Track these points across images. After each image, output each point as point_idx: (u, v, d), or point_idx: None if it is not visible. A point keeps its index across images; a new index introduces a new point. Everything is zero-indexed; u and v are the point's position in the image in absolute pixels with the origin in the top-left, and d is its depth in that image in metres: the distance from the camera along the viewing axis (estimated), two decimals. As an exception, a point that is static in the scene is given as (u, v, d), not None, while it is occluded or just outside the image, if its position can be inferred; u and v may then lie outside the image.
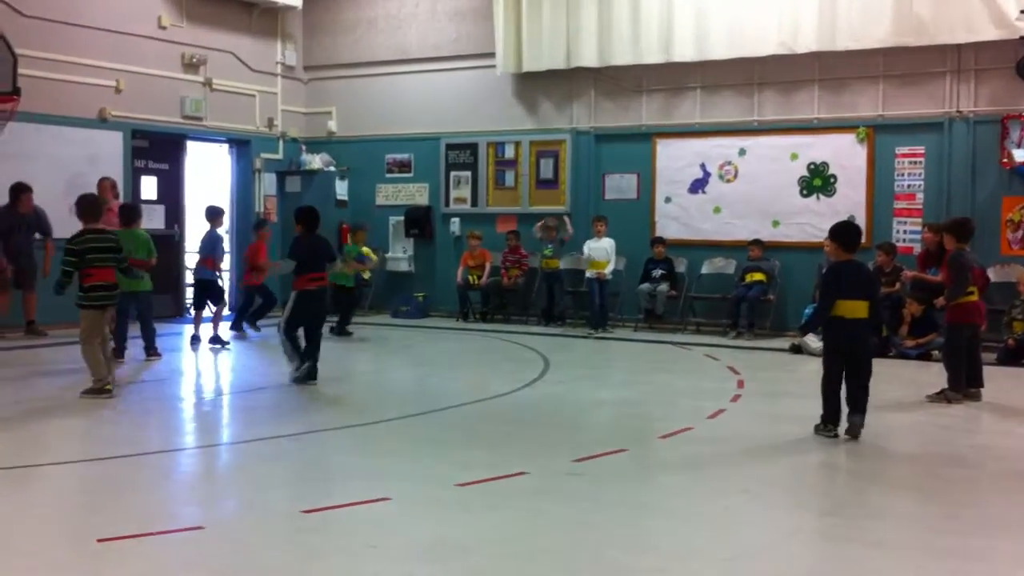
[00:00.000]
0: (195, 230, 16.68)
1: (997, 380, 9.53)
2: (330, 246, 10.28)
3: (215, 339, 12.41)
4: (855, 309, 7.38)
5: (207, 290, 12.71)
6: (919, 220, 13.14)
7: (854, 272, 7.54)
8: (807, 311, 12.48)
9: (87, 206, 9.01)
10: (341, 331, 13.48)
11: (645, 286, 14.28)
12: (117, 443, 7.14)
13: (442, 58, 16.55)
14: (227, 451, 7.25)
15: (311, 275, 9.60)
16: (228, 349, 12.19)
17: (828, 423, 7.46)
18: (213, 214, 13.11)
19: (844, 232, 7.73)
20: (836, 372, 7.47)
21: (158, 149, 15.47)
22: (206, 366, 11.38)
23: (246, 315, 13.60)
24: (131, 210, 11.48)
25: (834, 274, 7.60)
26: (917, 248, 12.84)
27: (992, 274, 12.49)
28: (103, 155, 14.23)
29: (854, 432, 7.32)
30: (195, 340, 12.50)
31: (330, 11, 17.43)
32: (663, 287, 14.15)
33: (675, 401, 9.27)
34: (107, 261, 8.84)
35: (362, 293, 16.10)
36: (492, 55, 15.68)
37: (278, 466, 6.59)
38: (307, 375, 9.52)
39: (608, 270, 14.14)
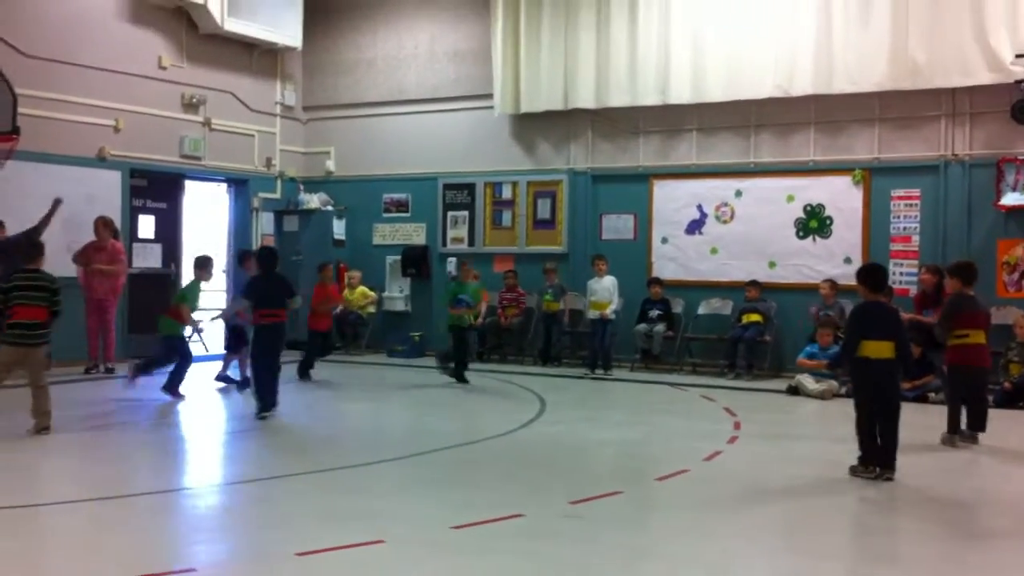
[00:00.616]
0: (191, 269, 16.71)
1: (995, 423, 9.48)
2: (288, 284, 10.48)
3: (224, 377, 12.36)
4: (880, 350, 7.43)
5: (239, 335, 12.18)
6: (915, 262, 13.16)
7: (880, 313, 7.61)
8: (808, 350, 12.55)
9: (26, 248, 9.33)
10: (461, 376, 12.91)
11: (642, 326, 14.26)
12: (107, 483, 7.09)
13: (440, 99, 16.65)
14: (220, 492, 7.19)
15: (264, 311, 10.11)
16: (235, 388, 12.02)
17: (867, 464, 7.47)
18: (244, 257, 12.97)
19: (871, 274, 7.86)
20: (866, 412, 7.50)
21: (156, 188, 15.51)
22: (202, 405, 11.32)
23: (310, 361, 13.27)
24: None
25: (859, 315, 7.67)
26: (913, 290, 12.85)
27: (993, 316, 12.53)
28: (101, 194, 14.26)
29: (885, 476, 7.39)
30: (225, 379, 12.35)
31: (330, 52, 17.56)
32: (660, 327, 14.14)
33: (671, 442, 9.23)
34: (34, 300, 8.74)
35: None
36: (490, 96, 15.78)
37: (272, 507, 6.54)
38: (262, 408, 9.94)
39: (611, 310, 13.91)
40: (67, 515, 6.30)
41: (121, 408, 10.59)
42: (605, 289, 13.98)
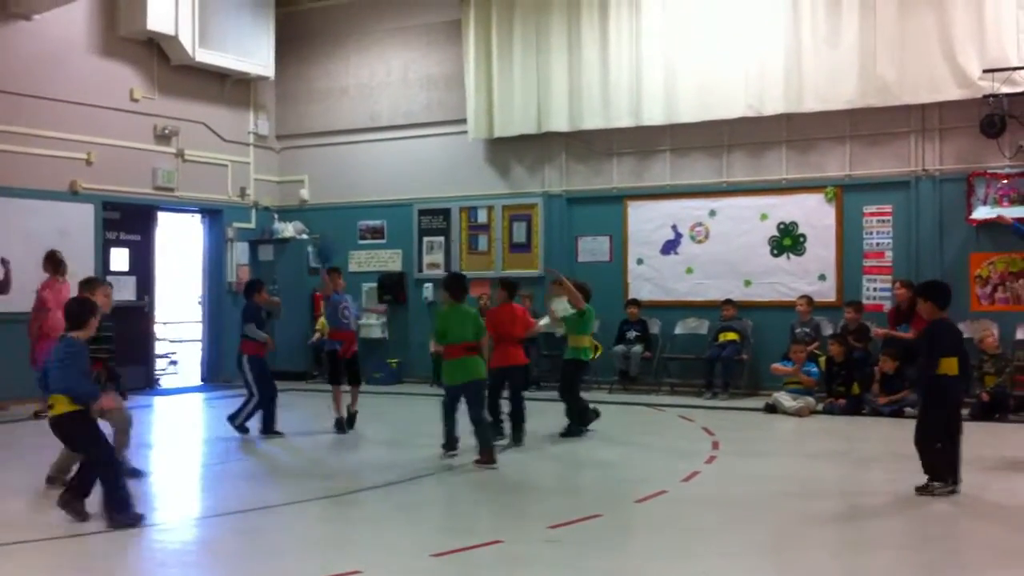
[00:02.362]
0: (166, 301, 16.67)
1: (973, 435, 9.50)
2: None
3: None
4: (951, 366, 7.46)
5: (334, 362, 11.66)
6: (889, 277, 13.24)
7: (952, 330, 7.67)
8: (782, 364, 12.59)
9: None
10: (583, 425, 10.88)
11: (619, 348, 14.27)
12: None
13: (414, 125, 16.67)
14: (199, 525, 7.12)
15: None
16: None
17: (946, 479, 7.43)
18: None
19: (941, 291, 7.78)
20: (942, 429, 7.48)
21: (129, 220, 15.42)
22: (179, 437, 11.23)
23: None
24: None
25: (938, 333, 7.62)
26: (887, 305, 12.92)
27: (962, 330, 12.57)
28: (73, 227, 14.17)
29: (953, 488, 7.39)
30: (339, 423, 11.19)
31: (302, 81, 17.56)
32: (637, 348, 14.14)
33: (650, 464, 9.21)
34: None
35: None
36: (463, 121, 15.82)
37: (252, 539, 6.48)
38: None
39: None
40: (39, 552, 6.21)
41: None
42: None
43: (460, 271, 14.20)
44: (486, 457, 8.68)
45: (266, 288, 11.41)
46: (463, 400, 8.99)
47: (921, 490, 7.48)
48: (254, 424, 10.75)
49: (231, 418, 10.76)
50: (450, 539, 6.21)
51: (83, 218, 14.41)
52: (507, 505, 7.39)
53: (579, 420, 10.67)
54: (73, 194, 14.29)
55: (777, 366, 12.60)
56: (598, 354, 11.70)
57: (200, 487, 8.71)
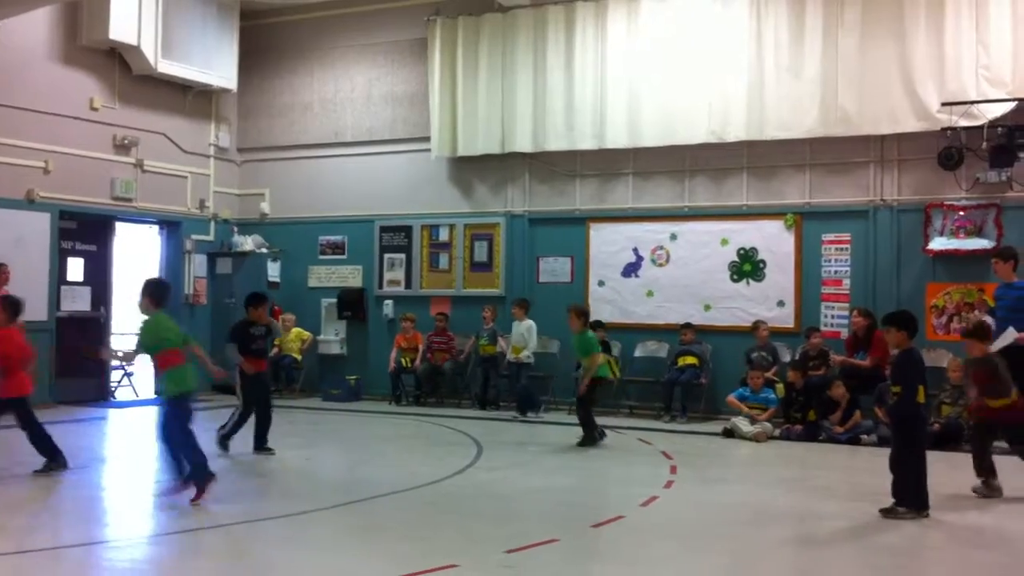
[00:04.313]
0: (122, 313, 16.43)
1: (928, 465, 9.59)
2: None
3: None
4: (922, 394, 7.67)
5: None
6: (846, 305, 13.36)
7: (921, 359, 7.92)
8: (740, 391, 12.64)
9: None
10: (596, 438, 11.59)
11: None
12: (32, 535, 6.87)
13: (377, 141, 16.63)
14: (152, 543, 7.00)
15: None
16: None
17: (910, 505, 7.59)
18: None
19: (909, 320, 7.92)
20: (921, 456, 7.67)
21: (86, 230, 15.23)
22: (139, 451, 11.06)
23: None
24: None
25: (914, 362, 7.78)
26: (845, 333, 13.04)
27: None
28: (29, 236, 13.97)
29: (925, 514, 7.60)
30: None
31: (265, 94, 17.47)
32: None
33: (608, 488, 9.20)
34: None
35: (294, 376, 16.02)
36: (427, 139, 15.81)
37: (204, 560, 6.39)
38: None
39: (524, 354, 14.19)
40: (-14, 571, 6.09)
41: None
42: (519, 334, 14.14)
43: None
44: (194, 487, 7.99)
45: (266, 304, 10.81)
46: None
47: (887, 513, 7.60)
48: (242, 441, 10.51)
49: (220, 434, 10.47)
50: (405, 563, 6.14)
51: (39, 227, 14.22)
52: (464, 528, 7.33)
53: (586, 432, 11.41)
54: (30, 202, 14.10)
55: (732, 399, 12.61)
56: (616, 370, 12.73)
57: (152, 504, 8.56)
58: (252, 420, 10.53)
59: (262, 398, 10.58)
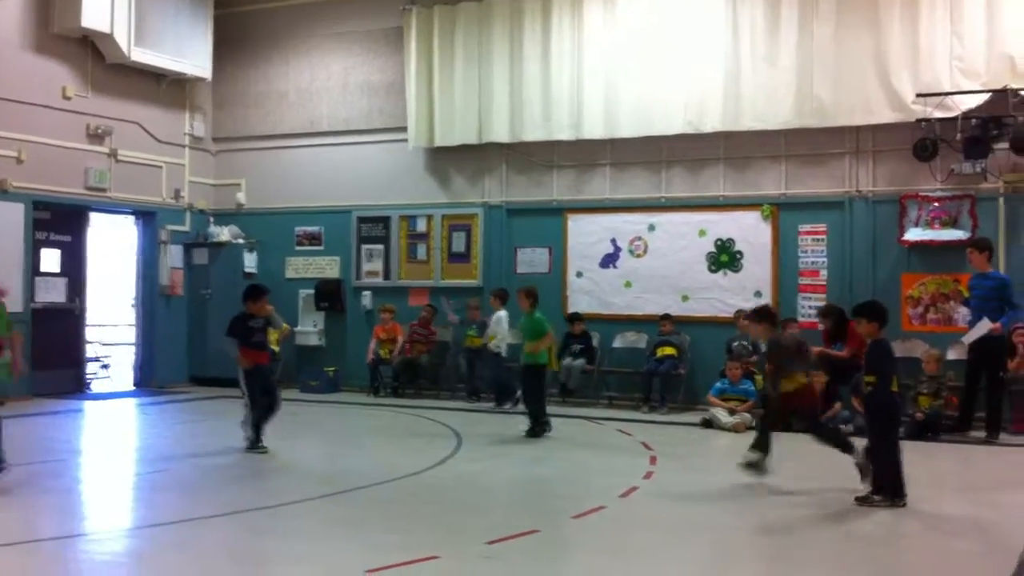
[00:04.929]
0: (97, 304, 16.37)
1: (906, 455, 9.66)
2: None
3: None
4: (896, 383, 7.81)
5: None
6: (823, 296, 13.43)
7: (891, 349, 8.01)
8: (718, 386, 12.70)
9: None
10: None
11: (565, 361, 14.22)
12: (3, 530, 6.83)
13: (354, 131, 16.57)
14: (130, 536, 6.97)
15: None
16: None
17: (886, 494, 7.67)
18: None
19: (880, 311, 8.04)
20: (897, 444, 7.77)
21: (60, 221, 15.10)
22: (116, 444, 10.99)
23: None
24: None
25: (886, 351, 7.89)
26: (822, 324, 13.09)
27: (894, 349, 12.81)
28: (3, 227, 13.85)
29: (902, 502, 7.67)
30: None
31: (240, 83, 17.36)
32: (579, 362, 14.15)
33: (588, 479, 9.22)
34: None
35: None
36: (404, 129, 15.76)
37: (184, 551, 6.36)
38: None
39: (494, 344, 13.85)
40: (-37, 566, 6.04)
41: (21, 448, 10.22)
42: (495, 322, 13.93)
43: None
44: None
45: (265, 298, 10.46)
46: None
47: (862, 501, 7.69)
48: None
49: (248, 441, 10.16)
50: (386, 554, 6.14)
51: (12, 217, 14.08)
52: (444, 520, 7.33)
53: (533, 421, 11.37)
54: (3, 192, 13.96)
55: (712, 398, 12.64)
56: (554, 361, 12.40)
57: (131, 496, 8.52)
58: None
59: (268, 392, 10.26)
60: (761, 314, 9.17)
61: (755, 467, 8.55)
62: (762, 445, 8.61)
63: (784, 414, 8.82)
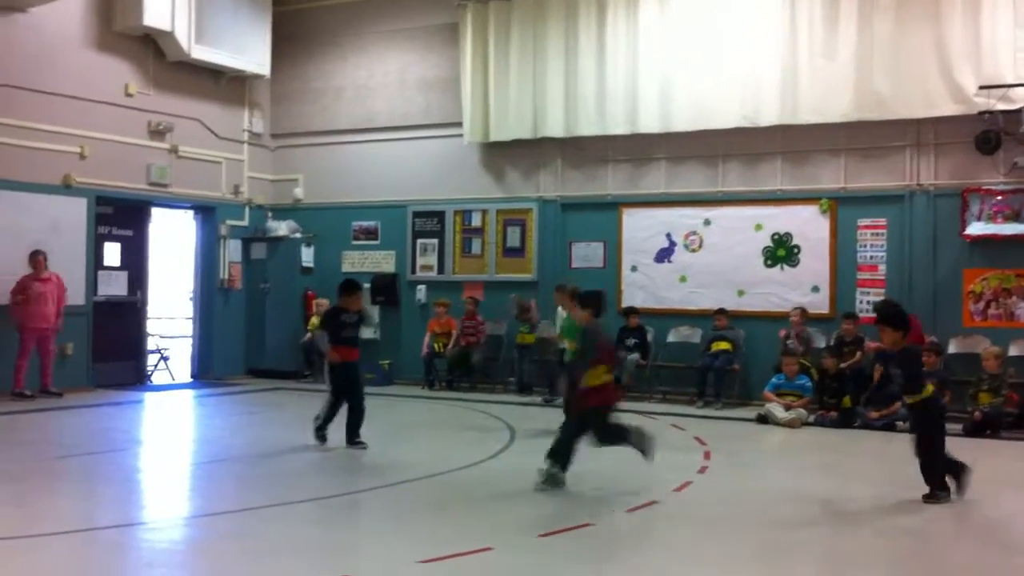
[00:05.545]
0: (157, 297, 16.66)
1: (964, 452, 9.49)
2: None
3: None
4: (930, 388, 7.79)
5: None
6: (882, 291, 13.26)
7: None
8: (774, 381, 12.58)
9: None
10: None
11: (619, 355, 14.13)
12: (65, 519, 6.97)
13: (410, 127, 16.64)
14: (188, 525, 7.09)
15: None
16: None
17: (946, 488, 7.63)
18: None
19: (904, 317, 7.86)
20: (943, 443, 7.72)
21: (122, 216, 15.36)
22: (175, 434, 11.17)
23: None
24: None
25: (919, 357, 7.98)
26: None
27: (954, 345, 12.66)
28: (66, 222, 14.12)
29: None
30: None
31: (298, 80, 17.52)
32: (634, 356, 14.10)
33: (641, 473, 9.14)
34: None
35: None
36: (459, 124, 15.80)
37: (239, 542, 6.44)
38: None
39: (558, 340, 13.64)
40: (28, 551, 6.17)
41: (82, 438, 10.43)
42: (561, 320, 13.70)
43: None
44: None
45: (359, 293, 10.21)
46: None
47: (929, 498, 7.59)
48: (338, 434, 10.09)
49: (315, 425, 10.04)
50: (439, 545, 6.18)
51: (76, 212, 14.35)
52: (497, 512, 7.36)
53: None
54: (66, 188, 14.23)
55: (768, 393, 12.52)
56: None
57: (188, 486, 8.66)
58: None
59: (353, 389, 9.95)
60: (584, 298, 8.30)
61: (553, 480, 7.93)
62: (557, 455, 7.97)
63: (581, 409, 8.12)
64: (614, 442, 8.20)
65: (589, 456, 9.90)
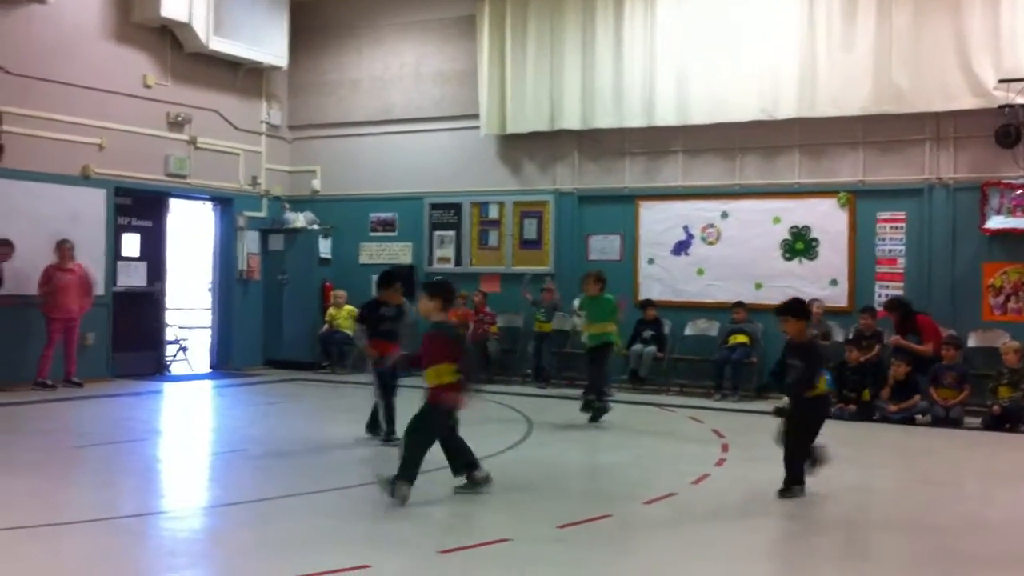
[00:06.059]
0: (176, 288, 16.74)
1: (984, 446, 9.51)
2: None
3: None
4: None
5: None
6: (900, 284, 13.22)
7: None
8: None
9: None
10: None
11: (636, 347, 14.17)
12: (86, 507, 7.02)
13: (426, 119, 16.65)
14: (208, 515, 7.13)
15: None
16: None
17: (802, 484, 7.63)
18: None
19: (806, 309, 8.17)
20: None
21: (141, 207, 15.41)
22: (194, 424, 11.22)
23: None
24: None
25: (820, 351, 8.19)
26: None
27: (974, 339, 12.61)
28: (85, 212, 14.18)
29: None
30: None
31: (315, 72, 17.54)
32: (650, 349, 14.08)
33: (659, 465, 9.19)
34: None
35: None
36: (476, 116, 15.79)
37: (257, 531, 6.47)
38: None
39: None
40: (51, 539, 6.21)
41: (102, 428, 10.50)
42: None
43: None
44: None
45: (397, 285, 9.81)
46: None
47: (784, 493, 7.54)
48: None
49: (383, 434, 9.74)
50: (458, 536, 6.21)
51: (95, 203, 14.41)
52: (515, 503, 7.37)
53: (597, 395, 11.11)
54: (85, 179, 14.28)
55: None
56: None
57: (207, 476, 8.70)
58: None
59: (388, 382, 9.65)
60: (433, 289, 7.95)
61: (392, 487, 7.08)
62: (407, 466, 7.17)
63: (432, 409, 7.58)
64: (427, 443, 7.46)
65: (605, 448, 9.93)
